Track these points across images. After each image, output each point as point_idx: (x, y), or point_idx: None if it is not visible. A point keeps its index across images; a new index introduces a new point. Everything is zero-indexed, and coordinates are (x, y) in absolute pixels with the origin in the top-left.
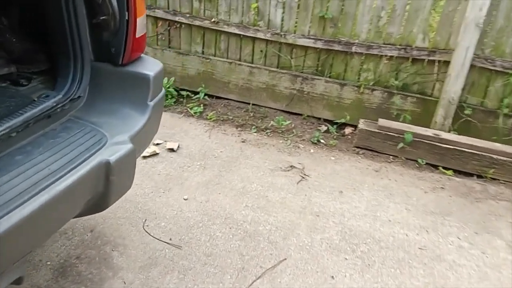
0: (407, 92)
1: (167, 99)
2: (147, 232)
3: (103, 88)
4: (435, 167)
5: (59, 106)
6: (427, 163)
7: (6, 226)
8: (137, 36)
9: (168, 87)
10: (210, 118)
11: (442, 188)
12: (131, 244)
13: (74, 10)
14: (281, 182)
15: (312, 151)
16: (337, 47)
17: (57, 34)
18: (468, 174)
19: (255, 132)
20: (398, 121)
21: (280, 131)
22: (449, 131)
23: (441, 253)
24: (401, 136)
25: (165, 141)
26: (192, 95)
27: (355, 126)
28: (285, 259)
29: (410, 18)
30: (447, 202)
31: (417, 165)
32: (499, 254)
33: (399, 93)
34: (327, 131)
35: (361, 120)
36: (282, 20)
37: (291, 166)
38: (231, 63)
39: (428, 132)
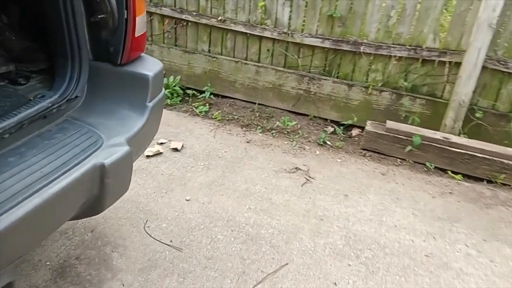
0: (417, 94)
1: (172, 98)
2: (148, 234)
3: (101, 88)
4: (444, 171)
5: (55, 106)
6: (435, 167)
7: None
8: (136, 35)
9: (174, 86)
10: (216, 118)
11: (451, 193)
12: (131, 245)
13: (72, 8)
14: (285, 184)
15: (318, 152)
16: (345, 47)
17: (54, 32)
18: (478, 179)
19: (260, 133)
20: (407, 124)
21: (286, 132)
22: (459, 135)
23: (448, 260)
24: (409, 138)
25: (170, 140)
26: (198, 94)
27: (363, 128)
28: (287, 264)
29: (421, 17)
30: (456, 208)
31: (425, 169)
32: (508, 262)
33: (408, 95)
34: (333, 132)
35: (369, 122)
36: (290, 18)
37: (296, 168)
38: (237, 62)
39: (437, 135)
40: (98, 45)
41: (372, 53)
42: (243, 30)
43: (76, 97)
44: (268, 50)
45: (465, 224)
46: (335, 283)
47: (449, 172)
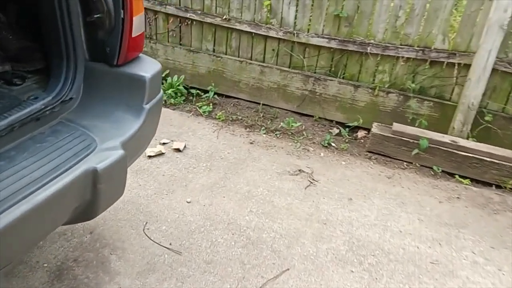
0: (424, 96)
1: (176, 97)
2: (147, 236)
3: (97, 89)
4: (452, 175)
5: (48, 108)
6: (443, 171)
7: None
8: (133, 36)
9: (178, 85)
10: (219, 118)
11: (458, 198)
12: (130, 247)
13: (67, 8)
14: (288, 186)
15: (322, 154)
16: (351, 47)
17: (49, 32)
18: (487, 184)
19: (264, 134)
20: (414, 126)
21: (290, 133)
22: (467, 138)
23: (454, 268)
24: (416, 141)
25: (172, 140)
26: (202, 94)
27: (368, 130)
28: (288, 269)
29: (430, 18)
30: (463, 213)
31: (432, 173)
32: None
33: (416, 97)
34: (338, 134)
35: (375, 124)
36: (295, 18)
37: (299, 170)
38: (242, 61)
39: (445, 138)
40: (94, 45)
41: (379, 54)
42: (248, 29)
43: (71, 98)
44: (273, 50)
45: (473, 230)
46: None
47: (457, 177)
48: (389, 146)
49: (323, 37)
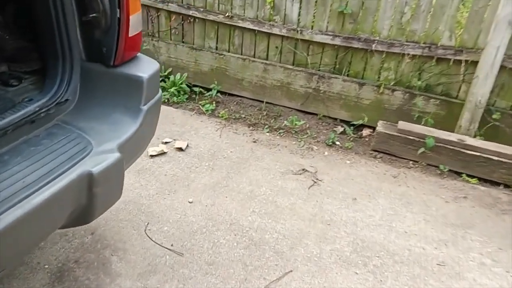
0: (430, 94)
1: (179, 96)
2: (149, 237)
3: (94, 90)
4: (458, 174)
5: (42, 110)
6: (449, 170)
7: None
8: (130, 35)
9: (181, 83)
10: (222, 116)
11: (465, 197)
12: (131, 249)
13: (62, 6)
14: (292, 186)
15: (326, 153)
16: (356, 44)
17: (44, 31)
18: (494, 183)
19: (267, 132)
20: (420, 124)
21: (294, 132)
22: (474, 137)
23: (460, 270)
24: (422, 140)
25: (174, 139)
26: (205, 92)
27: (373, 128)
28: (291, 271)
29: (436, 14)
30: (470, 213)
31: (438, 172)
32: None
33: (422, 94)
34: (343, 132)
35: (380, 122)
36: (299, 15)
37: (303, 170)
38: (245, 59)
39: (452, 137)
40: (91, 45)
41: (385, 51)
42: (251, 26)
43: (66, 100)
44: (276, 47)
45: (480, 231)
46: None
47: (464, 176)
48: (394, 145)
49: (327, 34)
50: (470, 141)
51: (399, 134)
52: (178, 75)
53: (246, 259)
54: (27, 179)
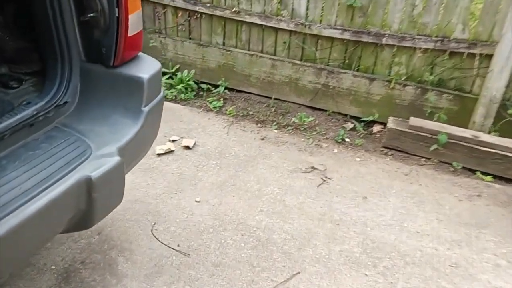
0: (443, 88)
1: (187, 93)
2: (155, 237)
3: (94, 92)
4: (472, 171)
5: (41, 114)
6: (463, 167)
7: None
8: (130, 35)
9: (188, 80)
10: (230, 113)
11: (479, 196)
12: (138, 249)
13: (59, 6)
14: (300, 184)
15: (335, 150)
16: (366, 39)
17: (43, 32)
18: (510, 181)
19: (275, 129)
20: (432, 120)
21: (302, 128)
22: (489, 133)
23: (474, 271)
24: (434, 136)
25: (182, 137)
26: (213, 88)
27: (384, 124)
28: (299, 272)
29: (449, 6)
30: (484, 212)
31: (451, 169)
32: None
33: (434, 89)
34: (353, 129)
35: (391, 118)
36: (307, 9)
37: (311, 167)
38: (252, 55)
39: (466, 133)
40: (90, 45)
41: (395, 45)
42: (258, 21)
43: (66, 102)
44: (284, 42)
45: (495, 231)
46: None
47: (478, 173)
48: (406, 142)
49: (336, 28)
50: (484, 137)
51: (411, 131)
52: (185, 72)
53: (253, 260)
54: (24, 186)
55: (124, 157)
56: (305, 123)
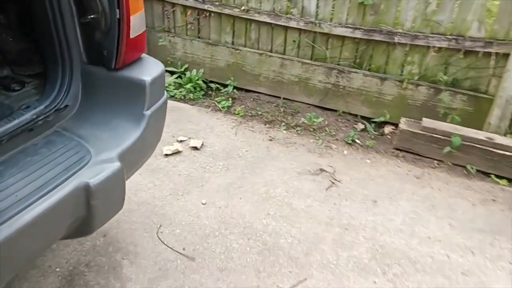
0: (457, 89)
1: (195, 92)
2: (161, 240)
3: (95, 95)
4: (487, 175)
5: (40, 118)
6: (477, 171)
7: None
8: (132, 37)
9: (197, 80)
10: (238, 113)
11: (494, 200)
12: (142, 252)
13: (59, 8)
14: (308, 187)
15: (345, 152)
16: (377, 37)
17: (43, 33)
18: None
19: (284, 130)
20: (445, 122)
21: (312, 129)
22: (505, 135)
23: (488, 280)
24: (448, 138)
25: (189, 138)
26: (221, 88)
27: (396, 125)
28: (306, 279)
29: (464, 3)
30: (499, 218)
31: (465, 172)
32: None
33: (448, 90)
34: (363, 130)
35: (403, 119)
36: (317, 7)
37: (320, 170)
38: (261, 54)
39: (480, 135)
40: (91, 48)
41: (408, 44)
42: (268, 20)
43: (66, 106)
44: (294, 41)
45: (510, 237)
46: None
47: (493, 177)
48: (418, 143)
49: (347, 27)
50: (500, 139)
51: (423, 132)
52: (194, 71)
53: (259, 265)
54: (21, 193)
55: (125, 162)
56: (314, 124)
